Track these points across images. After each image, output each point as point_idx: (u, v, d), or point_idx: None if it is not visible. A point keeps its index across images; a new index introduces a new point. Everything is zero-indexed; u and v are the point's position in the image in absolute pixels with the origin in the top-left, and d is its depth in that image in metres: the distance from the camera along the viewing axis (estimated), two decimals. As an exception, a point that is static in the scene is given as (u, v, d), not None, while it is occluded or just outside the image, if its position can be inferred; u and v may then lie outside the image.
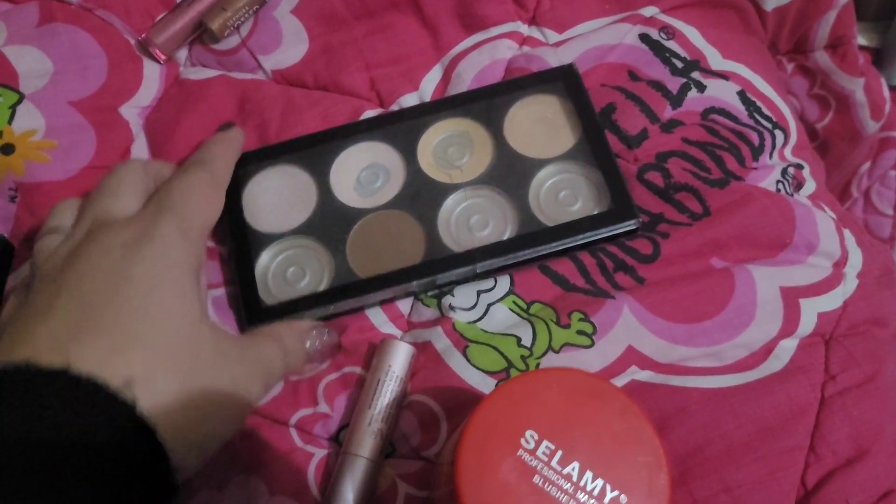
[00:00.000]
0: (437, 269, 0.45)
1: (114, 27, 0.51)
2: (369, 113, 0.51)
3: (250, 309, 0.45)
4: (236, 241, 0.47)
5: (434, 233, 0.46)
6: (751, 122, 0.51)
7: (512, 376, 0.44)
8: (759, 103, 0.52)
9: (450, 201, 0.47)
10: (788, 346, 0.45)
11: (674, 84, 0.51)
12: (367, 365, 0.45)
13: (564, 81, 0.49)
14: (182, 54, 0.53)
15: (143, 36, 0.52)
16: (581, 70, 0.50)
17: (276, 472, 0.42)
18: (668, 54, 0.51)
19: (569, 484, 0.33)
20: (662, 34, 0.52)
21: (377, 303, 0.47)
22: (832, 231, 0.49)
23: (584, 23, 0.53)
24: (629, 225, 0.46)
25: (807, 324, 0.45)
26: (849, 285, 0.47)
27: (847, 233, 0.50)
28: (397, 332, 0.46)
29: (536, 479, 0.33)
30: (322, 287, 0.46)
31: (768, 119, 0.52)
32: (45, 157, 0.48)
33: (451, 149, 0.48)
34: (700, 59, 0.52)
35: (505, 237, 0.46)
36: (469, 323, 0.45)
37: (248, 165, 0.48)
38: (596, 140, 0.48)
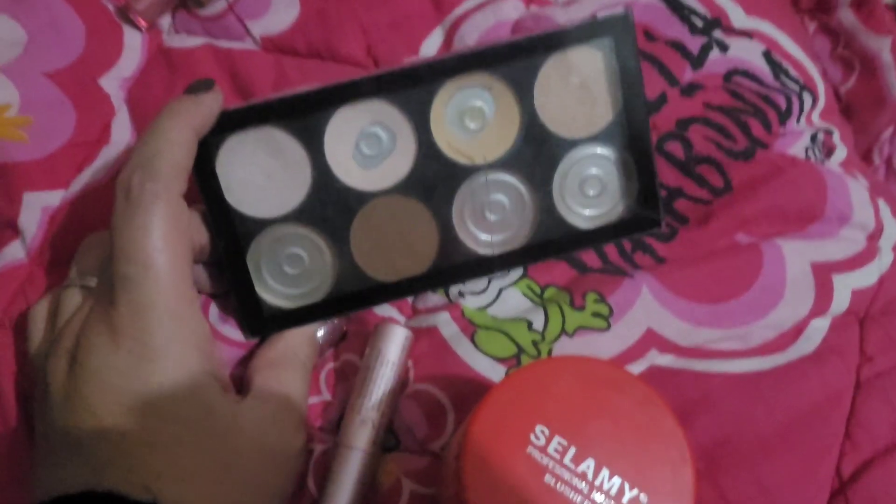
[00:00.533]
0: (453, 276, 0.42)
1: (92, -7, 0.48)
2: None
3: (252, 319, 0.41)
4: (224, 237, 0.40)
5: (449, 226, 0.42)
6: (777, 85, 0.47)
7: (523, 363, 0.41)
8: (785, 64, 0.48)
9: (466, 189, 0.41)
10: (820, 326, 0.42)
11: (694, 44, 0.47)
12: (367, 352, 0.42)
13: (615, 37, 0.40)
14: (165, 21, 0.50)
15: (122, 2, 0.48)
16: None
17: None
18: (686, 11, 0.48)
19: (583, 483, 0.30)
20: (681, -10, 0.48)
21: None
22: (866, 201, 0.45)
23: (596, -21, 0.49)
24: (652, 230, 0.43)
25: (840, 302, 0.43)
26: (884, 259, 0.45)
27: (881, 202, 0.46)
28: (401, 319, 0.44)
29: (548, 478, 0.30)
30: (327, 286, 0.41)
31: (795, 81, 0.48)
32: (22, 136, 0.45)
33: (471, 113, 0.41)
34: (722, 16, 0.48)
35: (523, 235, 0.42)
36: (479, 309, 0.42)
37: (219, 131, 0.38)
38: (635, 119, 0.42)
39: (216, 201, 0.39)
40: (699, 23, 0.47)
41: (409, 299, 0.44)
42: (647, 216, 0.43)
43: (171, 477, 0.32)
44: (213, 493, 0.33)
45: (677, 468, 0.31)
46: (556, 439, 0.30)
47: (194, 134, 0.35)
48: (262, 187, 0.40)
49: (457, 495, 0.31)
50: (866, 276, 0.43)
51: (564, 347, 0.41)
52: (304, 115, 0.39)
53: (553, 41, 0.40)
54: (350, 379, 0.42)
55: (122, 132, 0.47)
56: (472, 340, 0.41)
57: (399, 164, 0.41)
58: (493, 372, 0.41)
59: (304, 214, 0.40)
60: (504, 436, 0.30)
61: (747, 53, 0.48)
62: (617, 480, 0.30)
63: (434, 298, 0.44)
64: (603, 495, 0.30)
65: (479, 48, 0.40)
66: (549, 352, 0.41)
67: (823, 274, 0.43)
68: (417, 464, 0.40)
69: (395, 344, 0.40)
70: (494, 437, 0.30)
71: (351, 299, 0.42)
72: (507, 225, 0.42)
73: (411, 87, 0.40)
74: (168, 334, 0.33)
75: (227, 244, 0.40)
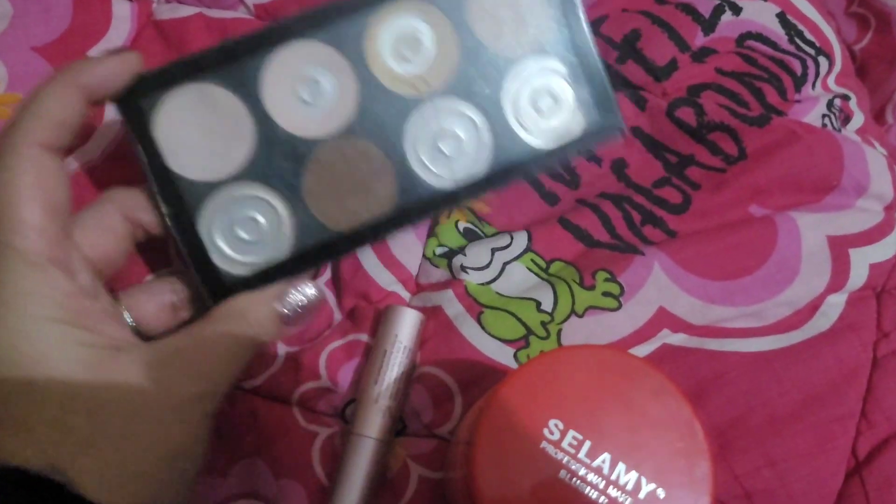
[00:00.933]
0: (418, 214, 0.39)
1: (77, -39, 0.46)
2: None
3: (211, 286, 0.38)
4: (169, 203, 0.38)
5: (404, 163, 0.39)
6: (791, 49, 0.46)
7: (531, 344, 0.40)
8: (800, 26, 0.46)
9: (416, 121, 0.39)
10: (836, 302, 0.41)
11: (705, 6, 0.45)
12: (373, 332, 0.41)
13: None
14: (155, -10, 0.48)
15: (109, -30, 0.46)
16: (601, -6, 0.44)
17: (281, 455, 0.39)
18: (698, -28, 0.46)
19: (599, 478, 0.29)
20: (692, -51, 0.46)
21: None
22: (883, 169, 0.44)
23: (603, -61, 0.47)
24: (615, 137, 0.40)
25: (857, 276, 0.41)
26: (902, 231, 0.43)
27: (900, 171, 0.45)
28: (405, 295, 0.42)
29: (563, 473, 0.29)
30: (287, 245, 0.39)
31: (811, 44, 0.46)
32: (10, 115, 0.43)
33: (407, 42, 0.39)
34: (735, -24, 0.46)
35: (483, 162, 0.39)
36: (482, 284, 0.41)
37: (149, 93, 0.36)
38: (574, 25, 0.39)
39: (158, 169, 0.37)
40: (711, -16, 0.46)
41: (413, 274, 0.43)
42: (607, 124, 0.40)
43: (9, 430, 0.30)
44: (61, 446, 0.31)
45: (694, 461, 0.30)
46: (571, 433, 0.30)
47: (77, 90, 0.33)
48: (204, 148, 0.38)
49: (464, 479, 0.30)
50: (884, 250, 0.42)
51: (574, 328, 0.40)
52: (235, 65, 0.37)
53: None
54: (355, 360, 0.41)
55: (114, 109, 0.45)
56: (479, 321, 0.40)
57: (343, 105, 0.39)
58: (500, 354, 0.40)
59: (252, 172, 0.38)
60: (516, 432, 0.30)
61: (761, 16, 0.46)
62: (633, 475, 0.29)
63: (437, 273, 0.42)
64: (619, 490, 0.29)
65: None
66: (559, 332, 0.40)
67: (840, 248, 0.42)
68: (424, 447, 0.39)
69: (410, 329, 0.39)
70: (506, 433, 0.30)
71: (315, 254, 0.39)
72: (464, 154, 0.40)
73: (340, 21, 0.38)
74: (19, 286, 0.32)
75: (176, 214, 0.38)
